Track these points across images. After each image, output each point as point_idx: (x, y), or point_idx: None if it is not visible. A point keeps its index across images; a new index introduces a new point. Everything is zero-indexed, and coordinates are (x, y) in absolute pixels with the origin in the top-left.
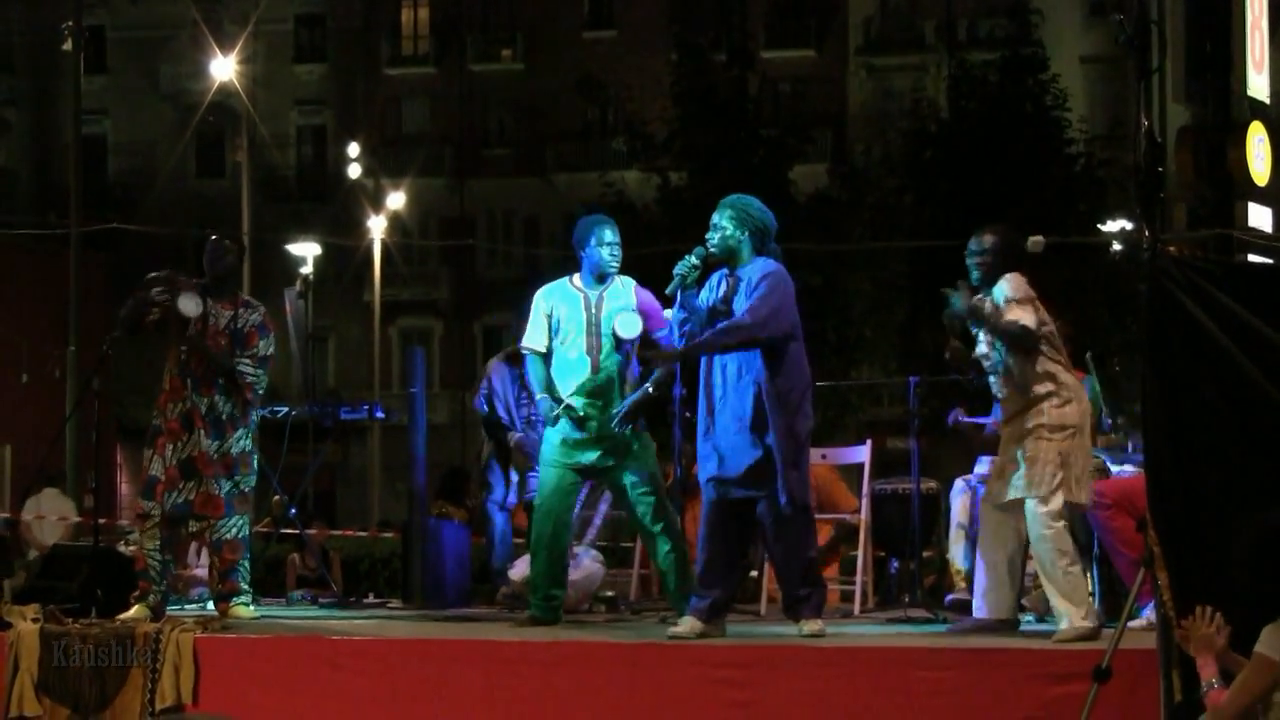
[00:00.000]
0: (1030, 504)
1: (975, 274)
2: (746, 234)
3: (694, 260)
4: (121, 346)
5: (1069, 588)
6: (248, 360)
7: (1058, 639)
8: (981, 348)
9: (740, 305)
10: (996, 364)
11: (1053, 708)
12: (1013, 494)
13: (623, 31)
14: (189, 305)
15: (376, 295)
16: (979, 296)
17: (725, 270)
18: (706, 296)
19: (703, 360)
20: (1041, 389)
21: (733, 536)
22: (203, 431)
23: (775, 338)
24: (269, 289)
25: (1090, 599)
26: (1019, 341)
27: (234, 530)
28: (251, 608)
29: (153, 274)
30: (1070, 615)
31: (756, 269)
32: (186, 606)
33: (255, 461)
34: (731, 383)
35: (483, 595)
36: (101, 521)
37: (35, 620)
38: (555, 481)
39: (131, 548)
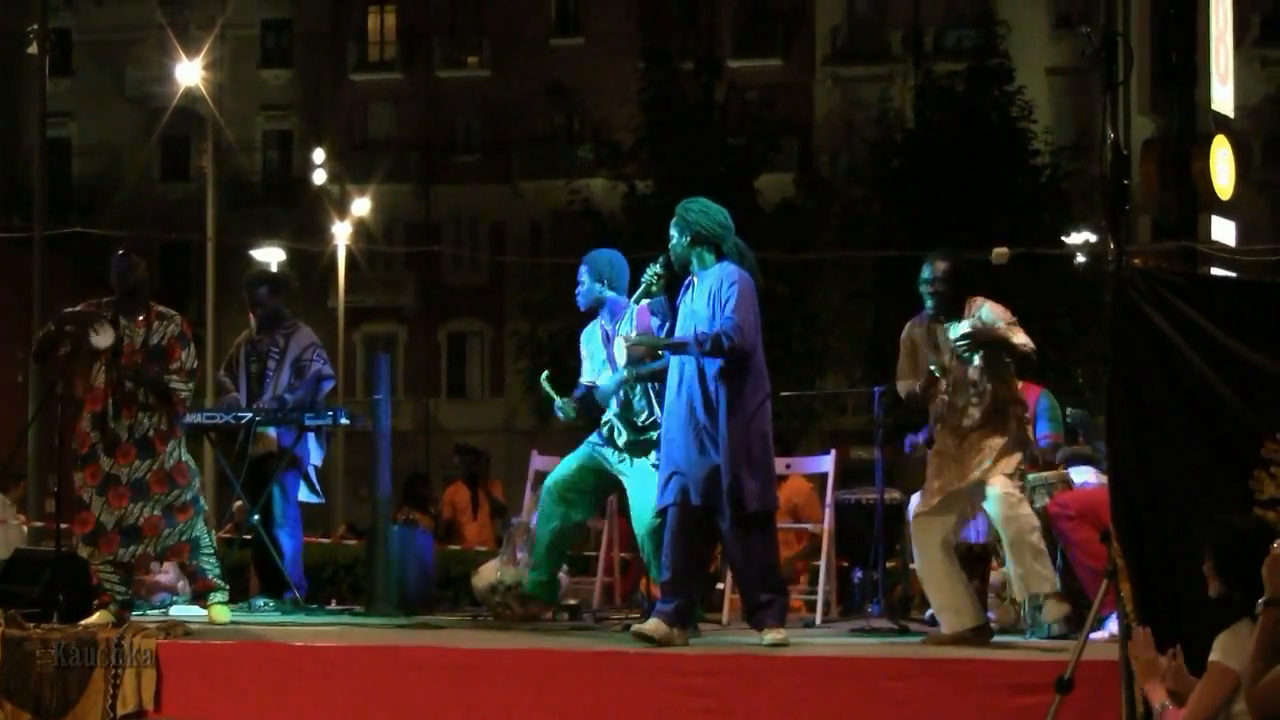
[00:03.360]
0: (994, 488)
1: (929, 302)
2: (688, 239)
3: (657, 269)
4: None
5: (1044, 557)
6: (176, 376)
7: (1049, 617)
8: (947, 363)
9: (699, 309)
10: (972, 381)
11: (1015, 718)
12: (975, 475)
13: (590, 39)
14: (100, 339)
15: (341, 301)
16: (966, 323)
17: (689, 278)
18: (679, 299)
19: (669, 369)
20: (1015, 409)
21: (696, 542)
22: (131, 454)
23: (747, 350)
24: (233, 294)
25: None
26: (1028, 361)
27: (177, 536)
28: (228, 610)
29: (68, 309)
30: (1050, 580)
31: (716, 275)
32: (149, 612)
33: (191, 467)
34: (688, 388)
35: (446, 602)
36: (64, 526)
37: None
38: (579, 459)
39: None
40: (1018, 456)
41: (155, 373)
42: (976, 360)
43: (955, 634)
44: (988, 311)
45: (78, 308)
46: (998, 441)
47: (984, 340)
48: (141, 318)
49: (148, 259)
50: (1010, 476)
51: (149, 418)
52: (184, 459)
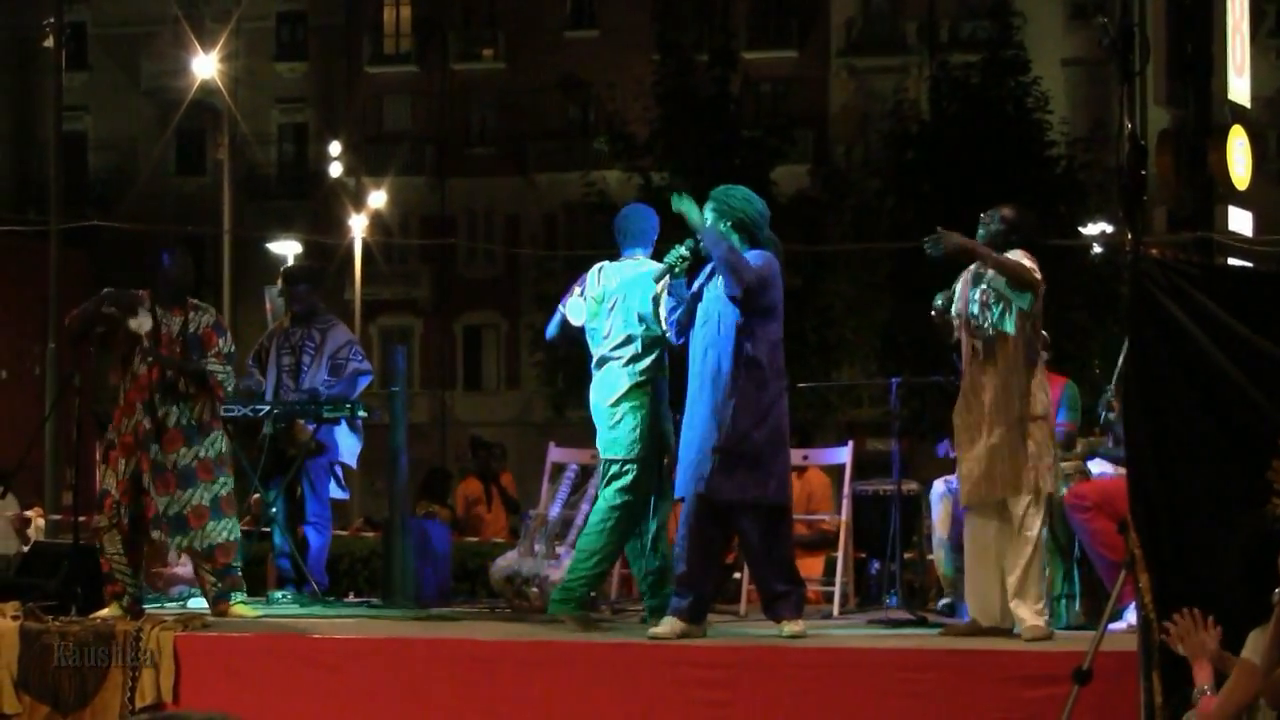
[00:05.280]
0: (1010, 501)
1: (983, 235)
2: (728, 225)
3: (683, 251)
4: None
5: (1037, 584)
6: (214, 359)
7: (1027, 637)
8: (974, 307)
9: (725, 292)
10: (991, 323)
11: (1033, 709)
12: (999, 494)
13: (605, 31)
14: (139, 322)
15: (357, 293)
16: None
17: (713, 263)
18: (697, 285)
19: (690, 357)
20: (1026, 365)
21: (712, 536)
22: (178, 441)
23: (757, 299)
24: (250, 287)
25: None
26: (1019, 275)
27: (224, 534)
28: (252, 606)
29: (107, 290)
30: (1029, 613)
31: (748, 259)
32: (167, 604)
33: (229, 458)
34: (707, 380)
35: (463, 594)
36: (81, 519)
37: (15, 618)
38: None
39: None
40: (1028, 467)
41: (194, 360)
42: (993, 318)
43: (973, 625)
44: (1010, 254)
45: (115, 290)
46: (1024, 447)
47: (961, 254)
48: (177, 309)
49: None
50: (1031, 494)
51: (191, 407)
52: (226, 451)
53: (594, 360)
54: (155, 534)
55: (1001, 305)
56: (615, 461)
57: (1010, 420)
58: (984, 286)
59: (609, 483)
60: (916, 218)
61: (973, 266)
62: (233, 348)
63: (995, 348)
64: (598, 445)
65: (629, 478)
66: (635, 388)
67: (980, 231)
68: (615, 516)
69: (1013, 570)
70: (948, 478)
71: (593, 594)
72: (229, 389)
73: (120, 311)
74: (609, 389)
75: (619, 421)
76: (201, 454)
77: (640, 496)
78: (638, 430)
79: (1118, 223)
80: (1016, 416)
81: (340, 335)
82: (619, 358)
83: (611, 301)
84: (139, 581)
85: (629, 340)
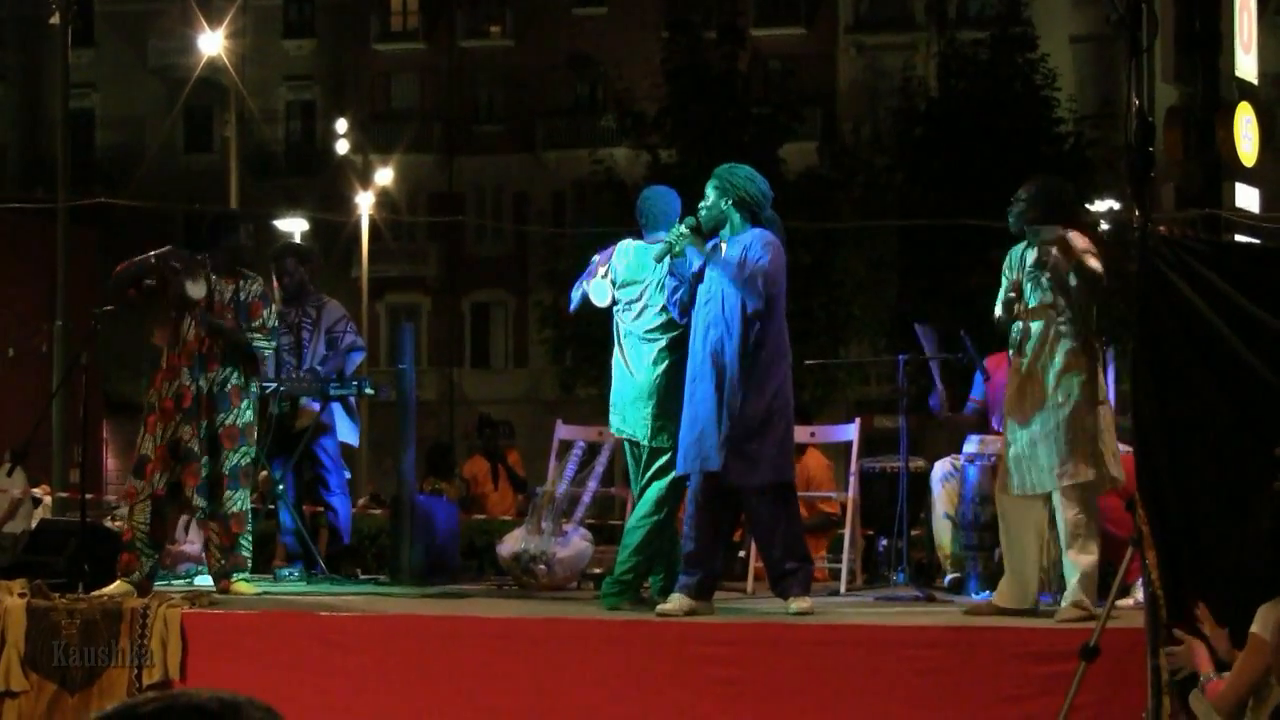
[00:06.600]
0: (1061, 501)
1: (1010, 219)
2: (730, 203)
3: (683, 229)
4: (109, 320)
5: (1089, 569)
6: (258, 334)
7: (1060, 618)
8: (1036, 292)
9: (727, 271)
10: (1056, 315)
11: (1040, 686)
12: (1045, 486)
13: (613, 8)
14: (196, 289)
15: (365, 271)
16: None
17: (716, 239)
18: (699, 263)
19: (691, 334)
20: (1084, 354)
21: (720, 514)
22: (210, 408)
23: (763, 306)
24: (257, 264)
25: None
26: (1096, 285)
27: (239, 504)
28: (254, 584)
29: (169, 248)
30: (1079, 597)
31: (750, 238)
32: (174, 582)
33: (254, 430)
34: (709, 354)
35: (471, 572)
36: (89, 497)
37: (22, 595)
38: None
39: (118, 522)
40: (1082, 454)
41: (241, 330)
42: (1044, 297)
43: (999, 608)
44: (1071, 239)
45: (169, 249)
46: (1071, 431)
47: (1055, 249)
48: (230, 276)
49: (172, 229)
50: (1081, 481)
51: (233, 373)
52: (253, 421)
53: (622, 336)
54: (198, 501)
55: (1065, 292)
56: (664, 451)
57: (1059, 406)
58: (1045, 274)
59: (659, 474)
60: (925, 195)
61: (1019, 249)
62: (275, 321)
63: (1056, 333)
64: (635, 430)
65: (676, 466)
66: (672, 370)
67: (1011, 217)
68: (667, 508)
69: (1065, 547)
70: (954, 457)
71: (645, 585)
72: (268, 361)
73: (183, 270)
74: (650, 376)
75: (666, 410)
76: (228, 421)
77: (681, 480)
78: (676, 417)
79: (1125, 200)
80: (1066, 401)
81: (334, 310)
82: (658, 340)
83: (649, 279)
84: (157, 556)
85: (673, 323)
